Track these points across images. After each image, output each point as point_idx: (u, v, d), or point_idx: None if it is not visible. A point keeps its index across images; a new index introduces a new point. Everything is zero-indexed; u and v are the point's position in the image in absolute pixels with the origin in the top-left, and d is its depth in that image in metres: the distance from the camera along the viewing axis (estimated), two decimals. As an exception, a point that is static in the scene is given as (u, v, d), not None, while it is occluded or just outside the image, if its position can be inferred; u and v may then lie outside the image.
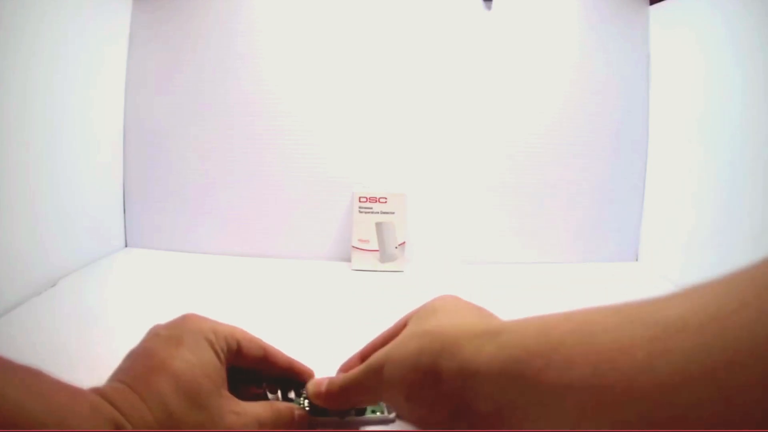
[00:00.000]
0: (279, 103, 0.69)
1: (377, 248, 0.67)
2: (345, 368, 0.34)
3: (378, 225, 0.67)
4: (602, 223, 0.73)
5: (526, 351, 0.20)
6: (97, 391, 0.24)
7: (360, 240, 0.67)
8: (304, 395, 0.31)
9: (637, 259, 0.73)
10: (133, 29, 0.69)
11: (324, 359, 0.33)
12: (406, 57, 0.70)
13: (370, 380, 0.28)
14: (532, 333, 0.20)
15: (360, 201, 0.67)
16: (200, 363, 0.27)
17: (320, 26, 0.69)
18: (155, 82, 0.70)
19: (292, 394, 0.32)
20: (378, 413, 0.32)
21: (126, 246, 0.72)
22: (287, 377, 0.32)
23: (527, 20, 0.70)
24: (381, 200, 0.67)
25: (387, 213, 0.67)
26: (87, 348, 0.42)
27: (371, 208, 0.67)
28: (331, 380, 0.31)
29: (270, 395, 0.31)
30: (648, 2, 0.71)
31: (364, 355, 0.34)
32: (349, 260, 0.68)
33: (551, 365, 0.18)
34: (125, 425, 0.23)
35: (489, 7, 0.69)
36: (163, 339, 0.28)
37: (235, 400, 0.28)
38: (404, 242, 0.67)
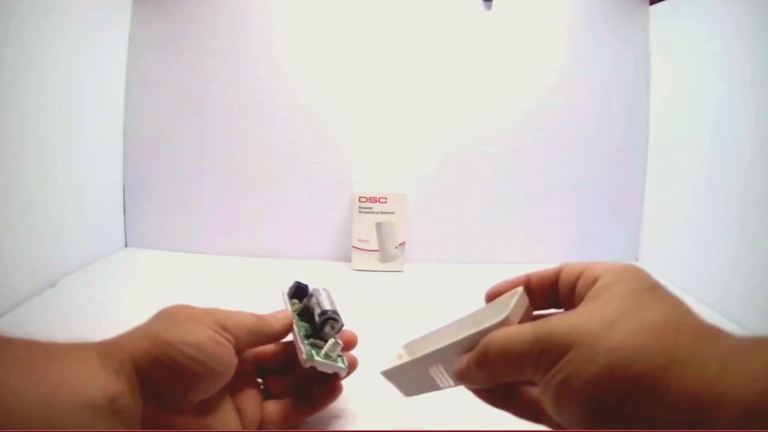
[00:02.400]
0: (279, 103, 0.69)
1: (377, 248, 0.67)
2: (494, 291, 0.28)
3: (378, 225, 0.67)
4: (602, 223, 0.73)
5: None
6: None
7: (360, 240, 0.67)
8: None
9: (637, 259, 0.73)
10: (133, 29, 0.69)
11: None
12: (407, 57, 0.70)
13: (541, 362, 0.21)
14: None
15: (360, 201, 0.67)
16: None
17: (319, 27, 0.69)
18: (155, 82, 0.70)
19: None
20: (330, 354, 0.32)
21: (126, 246, 0.72)
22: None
23: (527, 20, 0.70)
24: (381, 200, 0.67)
25: (387, 213, 0.67)
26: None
27: (371, 208, 0.67)
28: (489, 340, 0.24)
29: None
30: (648, 2, 0.71)
31: (518, 283, 0.27)
32: (349, 260, 0.68)
33: None
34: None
35: (489, 7, 0.69)
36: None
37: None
38: (404, 242, 0.67)
